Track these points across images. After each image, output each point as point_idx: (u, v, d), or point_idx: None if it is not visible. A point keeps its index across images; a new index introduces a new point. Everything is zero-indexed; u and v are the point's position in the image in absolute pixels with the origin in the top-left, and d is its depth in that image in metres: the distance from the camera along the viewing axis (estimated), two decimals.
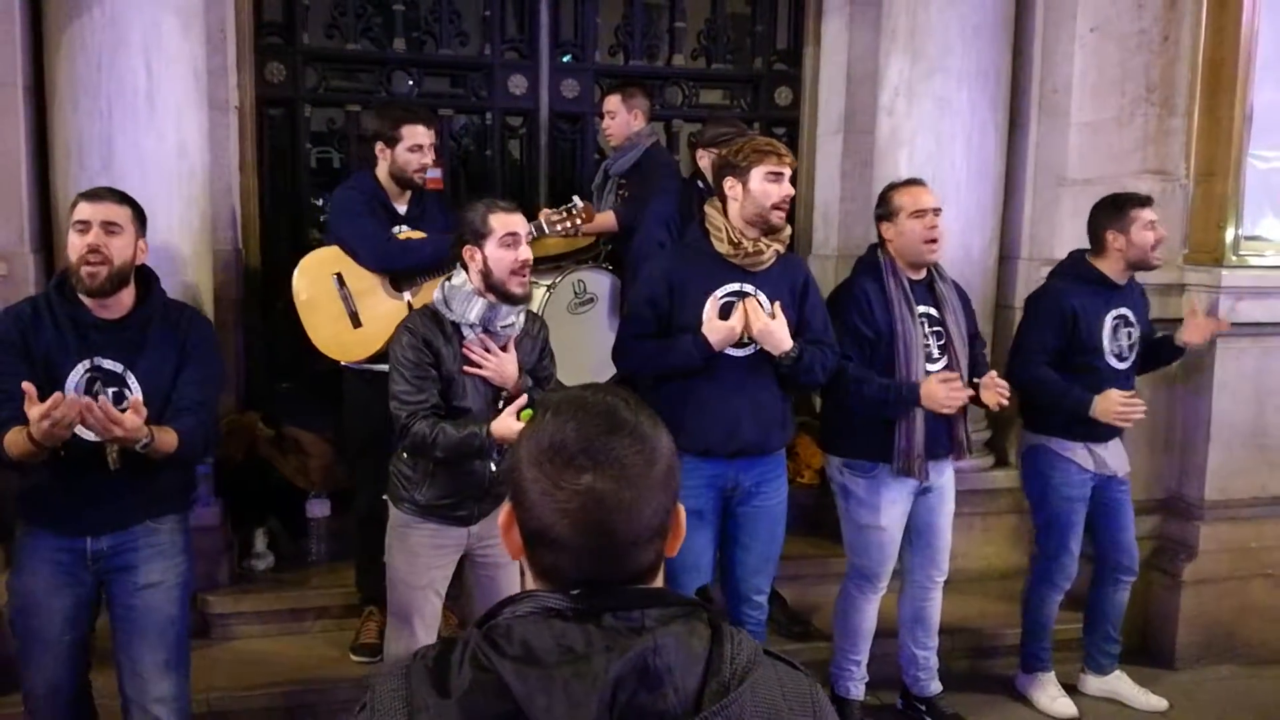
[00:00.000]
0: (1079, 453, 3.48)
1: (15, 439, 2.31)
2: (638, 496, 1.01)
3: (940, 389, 3.02)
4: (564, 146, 4.81)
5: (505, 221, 2.68)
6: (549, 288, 3.83)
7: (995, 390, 3.12)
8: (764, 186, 2.88)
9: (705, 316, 2.84)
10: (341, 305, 3.41)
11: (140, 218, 2.55)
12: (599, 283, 3.96)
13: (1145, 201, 3.48)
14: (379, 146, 3.51)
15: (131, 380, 2.49)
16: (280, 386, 4.41)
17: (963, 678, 3.72)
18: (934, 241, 3.12)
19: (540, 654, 0.96)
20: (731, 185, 2.94)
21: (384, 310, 3.37)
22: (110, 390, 2.45)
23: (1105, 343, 3.44)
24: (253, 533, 3.88)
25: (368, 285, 3.42)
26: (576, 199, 3.60)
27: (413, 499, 2.78)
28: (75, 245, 2.44)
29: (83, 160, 3.32)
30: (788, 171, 2.92)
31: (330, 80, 4.54)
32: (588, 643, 0.96)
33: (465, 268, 2.72)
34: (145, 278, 2.58)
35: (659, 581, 1.08)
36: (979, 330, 3.49)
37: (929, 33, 4.02)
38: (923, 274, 3.21)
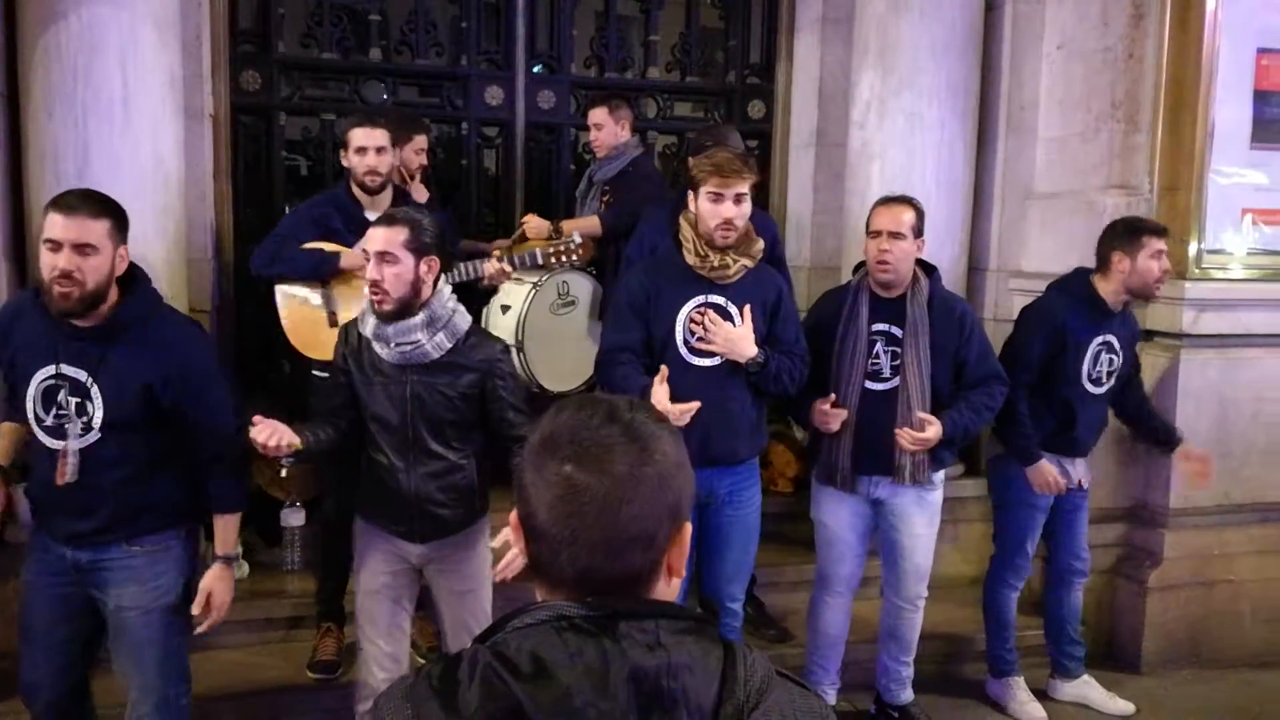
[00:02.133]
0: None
1: None
2: (620, 492, 0.99)
3: (821, 414, 3.16)
4: (540, 157, 4.83)
5: (373, 239, 2.61)
6: (535, 285, 3.87)
7: (902, 436, 3.12)
8: (705, 205, 2.90)
9: (655, 382, 2.83)
10: (322, 304, 3.43)
11: (120, 225, 2.35)
12: (581, 286, 4.01)
13: (1160, 231, 3.48)
14: (342, 152, 3.51)
15: (94, 391, 2.36)
16: (251, 395, 4.38)
17: (934, 682, 3.78)
18: (882, 263, 3.13)
19: (554, 673, 0.93)
20: (691, 199, 2.98)
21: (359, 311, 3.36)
22: (74, 400, 2.36)
23: (1085, 366, 3.47)
24: None
25: (353, 288, 3.42)
26: (577, 235, 3.71)
27: (363, 508, 2.86)
28: (46, 264, 2.26)
29: (58, 168, 3.30)
30: (730, 192, 2.86)
31: (305, 89, 4.53)
32: (604, 660, 0.94)
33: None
34: (132, 276, 2.41)
35: (662, 593, 1.05)
36: (975, 358, 3.27)
37: (899, 49, 4.10)
38: (894, 292, 3.20)
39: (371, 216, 3.45)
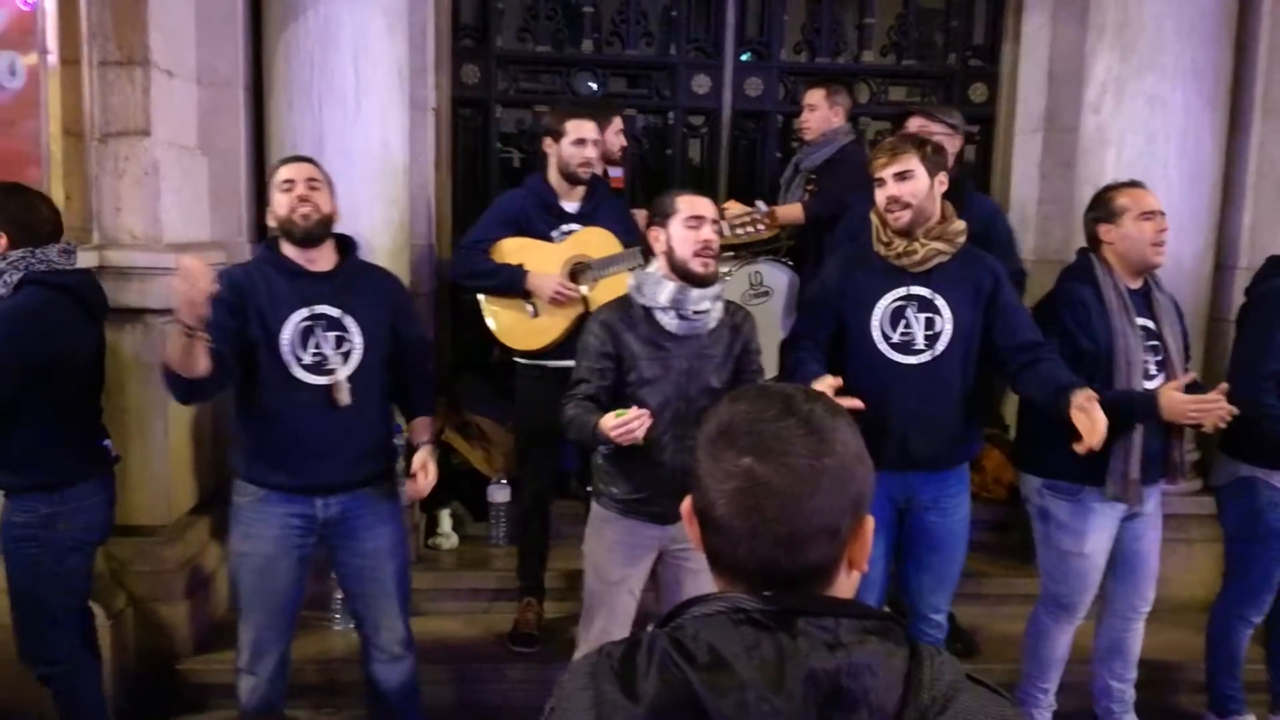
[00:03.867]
0: None
1: (171, 344, 2.38)
2: (801, 484, 0.97)
3: (1182, 398, 2.72)
4: (744, 145, 4.79)
5: (691, 203, 2.67)
6: (724, 275, 3.81)
7: (1218, 411, 2.76)
8: (877, 192, 2.77)
9: (820, 384, 2.60)
10: (522, 295, 3.47)
11: (331, 185, 2.72)
12: (776, 277, 3.91)
13: None
14: (547, 142, 3.53)
15: (350, 324, 2.65)
16: (463, 375, 4.57)
17: (1144, 710, 3.45)
18: (1161, 245, 2.89)
19: (731, 665, 0.92)
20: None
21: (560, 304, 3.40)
22: (331, 334, 2.62)
23: None
24: (438, 514, 4.04)
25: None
26: (760, 203, 3.53)
27: (610, 494, 2.78)
28: (284, 201, 2.61)
29: None
30: (889, 172, 2.74)
31: (520, 82, 4.67)
32: (780, 657, 0.92)
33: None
34: (343, 242, 2.73)
35: (841, 590, 1.02)
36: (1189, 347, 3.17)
37: (1140, 28, 3.80)
38: (1139, 283, 2.96)
39: (569, 206, 3.53)
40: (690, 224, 2.65)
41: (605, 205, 3.62)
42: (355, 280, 2.71)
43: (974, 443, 3.00)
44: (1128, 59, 3.83)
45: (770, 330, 3.78)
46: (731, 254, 3.90)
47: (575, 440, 2.69)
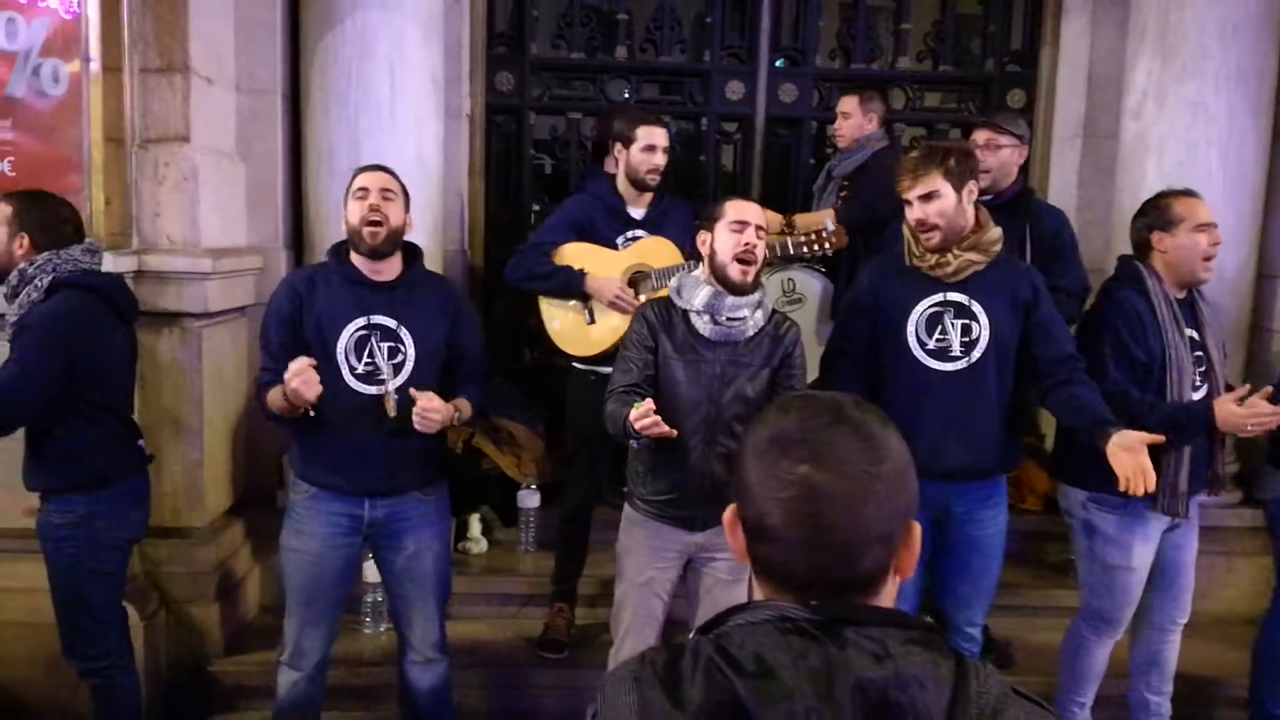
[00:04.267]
0: None
1: (274, 396, 2.58)
2: (857, 492, 0.97)
3: (1237, 411, 2.68)
4: (778, 152, 4.77)
5: (738, 208, 2.67)
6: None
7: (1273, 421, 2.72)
8: (907, 210, 2.74)
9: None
10: (579, 302, 3.46)
11: (407, 196, 2.75)
12: (809, 285, 3.87)
13: None
14: (616, 147, 3.51)
15: (405, 335, 2.68)
16: (494, 380, 4.58)
17: None
18: (1211, 260, 2.84)
19: (778, 674, 0.91)
20: None
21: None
22: (385, 345, 2.66)
23: None
24: (468, 518, 4.05)
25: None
26: (829, 221, 3.47)
27: (640, 495, 2.79)
28: (356, 210, 2.64)
29: (332, 164, 3.57)
30: (913, 194, 2.71)
31: (553, 89, 4.68)
32: (829, 667, 0.91)
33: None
34: (409, 250, 2.78)
35: (885, 599, 1.02)
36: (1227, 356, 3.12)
37: (1182, 33, 3.74)
38: (1184, 293, 2.91)
39: (635, 212, 3.52)
40: (734, 228, 2.64)
41: (673, 211, 3.60)
42: (415, 291, 2.74)
43: (1012, 455, 2.93)
44: (1169, 64, 3.77)
45: (805, 338, 3.74)
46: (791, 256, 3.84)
47: (613, 435, 2.67)
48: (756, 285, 2.67)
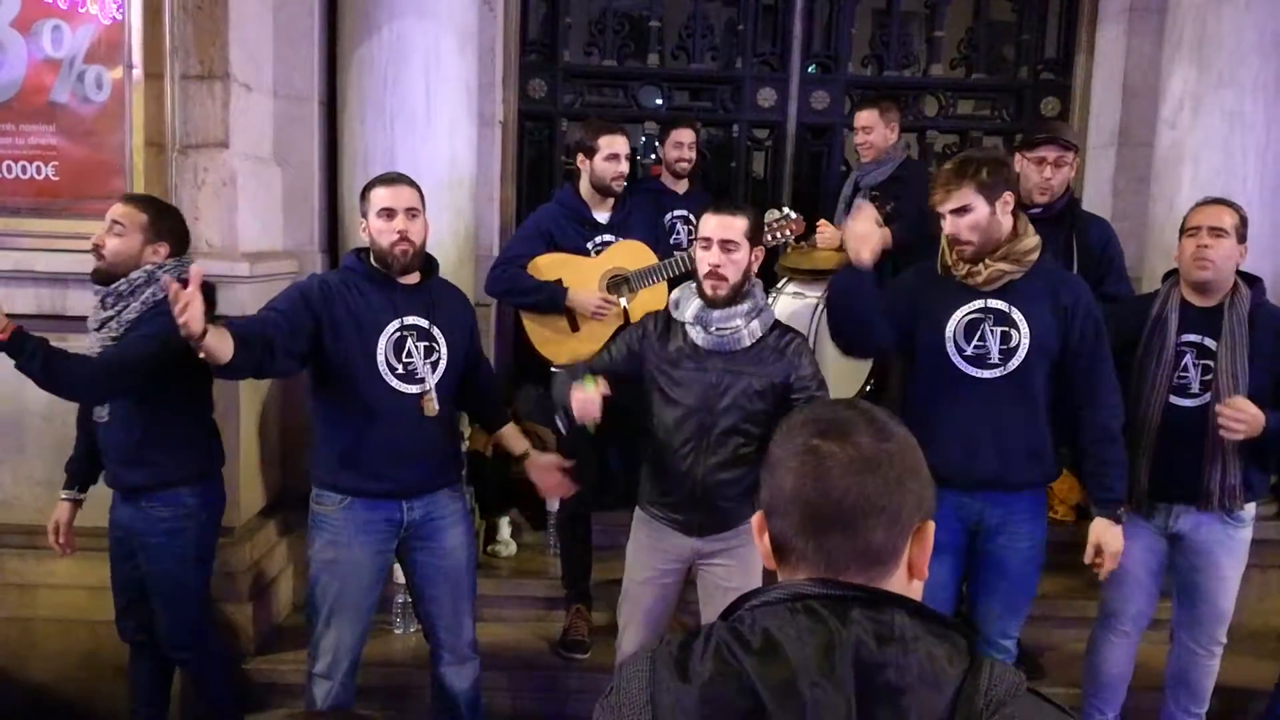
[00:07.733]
0: None
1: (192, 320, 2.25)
2: (859, 461, 1.02)
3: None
4: (809, 159, 4.77)
5: (705, 224, 2.67)
6: (775, 291, 3.79)
7: (1223, 411, 2.76)
8: (942, 223, 2.74)
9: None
10: (564, 313, 3.50)
11: (423, 199, 2.77)
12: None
13: None
14: (579, 157, 3.56)
15: (438, 334, 2.73)
16: (535, 389, 4.59)
17: None
18: (1201, 260, 2.83)
19: (784, 650, 0.95)
20: None
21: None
22: (421, 345, 2.71)
23: None
24: (497, 521, 4.08)
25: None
26: (789, 210, 3.52)
27: (645, 494, 2.86)
28: (383, 230, 2.65)
29: (368, 170, 3.58)
30: (945, 208, 2.69)
31: (585, 96, 4.71)
32: (831, 643, 0.94)
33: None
34: (426, 257, 2.81)
35: (902, 586, 1.04)
36: None
37: (1219, 42, 3.72)
38: (1212, 300, 2.88)
39: (600, 217, 3.58)
40: (702, 244, 2.68)
41: (636, 212, 3.65)
42: (439, 294, 2.80)
43: (1046, 465, 2.85)
44: (1205, 73, 3.74)
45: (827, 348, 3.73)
46: (819, 277, 3.79)
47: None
48: (742, 296, 2.68)
